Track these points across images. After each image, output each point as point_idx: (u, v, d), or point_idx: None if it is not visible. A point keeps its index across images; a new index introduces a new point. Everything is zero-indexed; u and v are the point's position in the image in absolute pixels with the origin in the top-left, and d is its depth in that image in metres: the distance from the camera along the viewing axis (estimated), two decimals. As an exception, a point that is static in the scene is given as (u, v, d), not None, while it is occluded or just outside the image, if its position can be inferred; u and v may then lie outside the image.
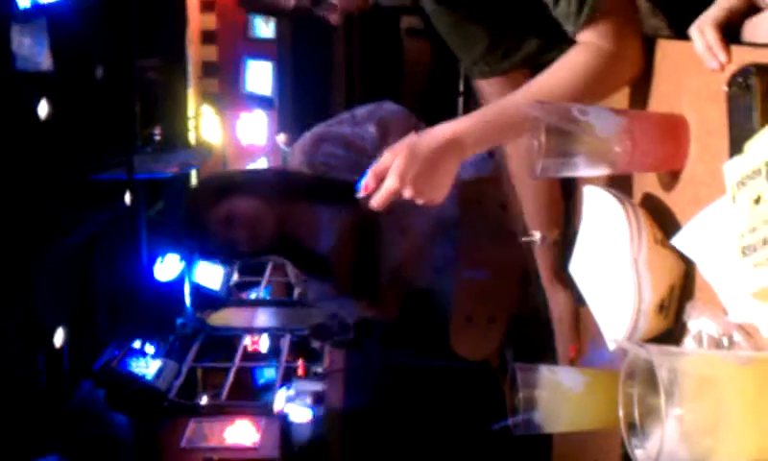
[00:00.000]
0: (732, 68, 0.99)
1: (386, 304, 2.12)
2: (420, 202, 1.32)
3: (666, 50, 1.25)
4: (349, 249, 2.03)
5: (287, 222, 2.05)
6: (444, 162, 1.30)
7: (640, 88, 1.31)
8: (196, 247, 2.18)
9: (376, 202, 1.31)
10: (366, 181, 1.31)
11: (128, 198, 6.59)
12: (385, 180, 1.29)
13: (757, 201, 0.82)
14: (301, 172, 2.11)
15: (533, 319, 2.20)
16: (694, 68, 1.10)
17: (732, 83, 0.96)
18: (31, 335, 5.25)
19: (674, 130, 1.14)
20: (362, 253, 2.03)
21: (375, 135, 2.07)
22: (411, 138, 1.31)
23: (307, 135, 2.14)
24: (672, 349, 0.84)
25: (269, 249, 2.11)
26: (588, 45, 1.28)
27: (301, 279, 2.27)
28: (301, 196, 2.08)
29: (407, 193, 1.29)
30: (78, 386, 6.15)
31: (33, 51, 5.55)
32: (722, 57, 1.02)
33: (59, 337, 5.37)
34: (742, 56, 1.00)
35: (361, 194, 1.32)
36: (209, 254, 2.53)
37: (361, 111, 2.12)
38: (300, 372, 7.66)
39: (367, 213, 1.93)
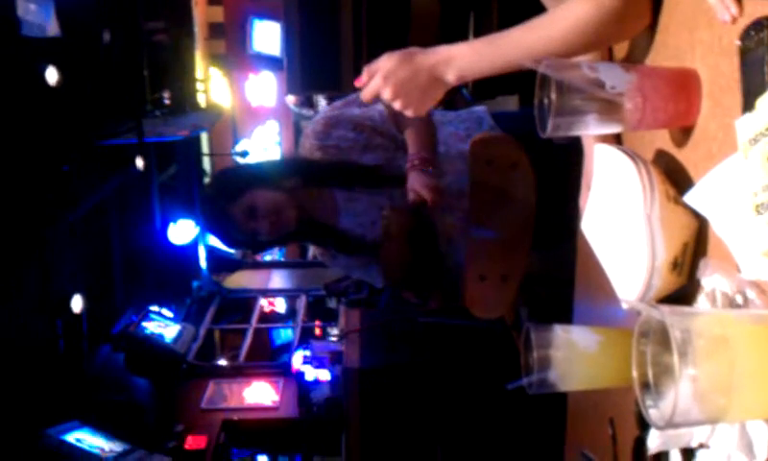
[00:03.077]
0: (744, 21, 0.97)
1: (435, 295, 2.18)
2: (396, 106, 1.38)
3: (677, 1, 1.22)
4: (400, 242, 2.02)
5: (307, 207, 2.09)
6: (431, 78, 1.34)
7: (651, 42, 1.28)
8: (219, 240, 2.22)
9: (363, 95, 1.41)
10: (361, 77, 1.41)
11: (139, 163, 6.58)
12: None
13: (770, 158, 0.81)
14: (314, 158, 2.13)
15: (546, 277, 2.20)
16: (706, 21, 1.08)
17: (744, 36, 0.95)
18: (48, 302, 5.29)
19: (686, 85, 1.12)
20: (413, 245, 2.03)
21: (385, 113, 2.10)
22: (412, 48, 1.37)
23: (318, 120, 2.16)
24: (685, 309, 0.83)
25: (292, 236, 2.16)
26: None
27: (328, 255, 2.31)
28: (319, 181, 2.11)
29: (386, 93, 1.36)
30: (97, 351, 6.21)
31: (39, 17, 5.50)
32: (734, 9, 1.00)
33: (76, 303, 5.40)
34: (755, 7, 0.98)
35: (358, 85, 1.42)
36: (233, 246, 2.56)
37: None
38: (317, 333, 7.72)
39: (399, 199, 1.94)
